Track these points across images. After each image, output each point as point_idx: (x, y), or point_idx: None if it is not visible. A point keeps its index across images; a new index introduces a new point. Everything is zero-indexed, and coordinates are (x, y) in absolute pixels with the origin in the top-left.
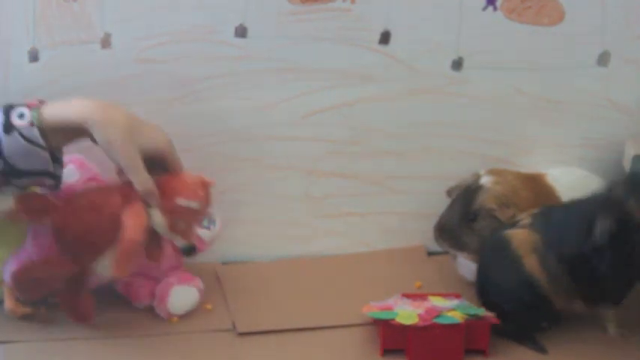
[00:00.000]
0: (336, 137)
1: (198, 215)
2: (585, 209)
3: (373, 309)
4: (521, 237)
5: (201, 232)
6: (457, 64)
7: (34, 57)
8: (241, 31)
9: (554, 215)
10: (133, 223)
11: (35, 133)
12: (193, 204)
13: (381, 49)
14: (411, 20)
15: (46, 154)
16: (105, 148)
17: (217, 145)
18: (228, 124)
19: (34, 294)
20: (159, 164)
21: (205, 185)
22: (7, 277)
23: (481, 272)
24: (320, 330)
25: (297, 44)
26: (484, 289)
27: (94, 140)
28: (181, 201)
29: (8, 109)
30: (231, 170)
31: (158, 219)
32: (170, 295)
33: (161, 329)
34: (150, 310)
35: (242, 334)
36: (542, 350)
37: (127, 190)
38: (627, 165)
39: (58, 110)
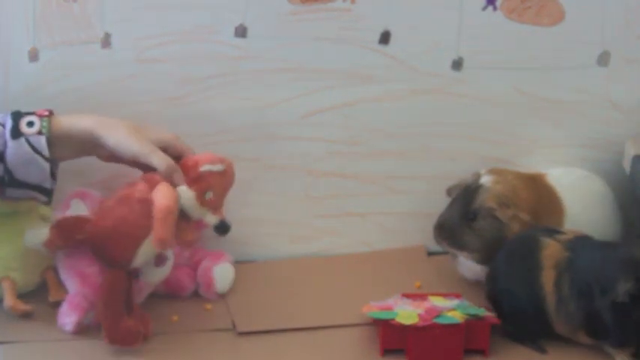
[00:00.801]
0: (336, 137)
1: (224, 181)
2: (619, 258)
3: (373, 309)
4: (553, 249)
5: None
6: (457, 64)
7: (34, 57)
8: (241, 31)
9: (589, 246)
10: (162, 194)
11: (42, 143)
12: (217, 167)
13: (381, 49)
14: (411, 20)
15: (46, 167)
16: (118, 147)
17: (217, 145)
18: (228, 124)
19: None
20: (171, 156)
21: (223, 158)
22: (70, 327)
23: (498, 266)
24: (320, 330)
25: (297, 44)
26: (494, 285)
27: (100, 151)
28: (205, 167)
29: (17, 116)
30: None
31: (186, 194)
32: (214, 277)
33: (161, 329)
34: (150, 310)
35: (242, 334)
36: (542, 350)
37: (151, 177)
38: (627, 165)
39: (67, 121)
